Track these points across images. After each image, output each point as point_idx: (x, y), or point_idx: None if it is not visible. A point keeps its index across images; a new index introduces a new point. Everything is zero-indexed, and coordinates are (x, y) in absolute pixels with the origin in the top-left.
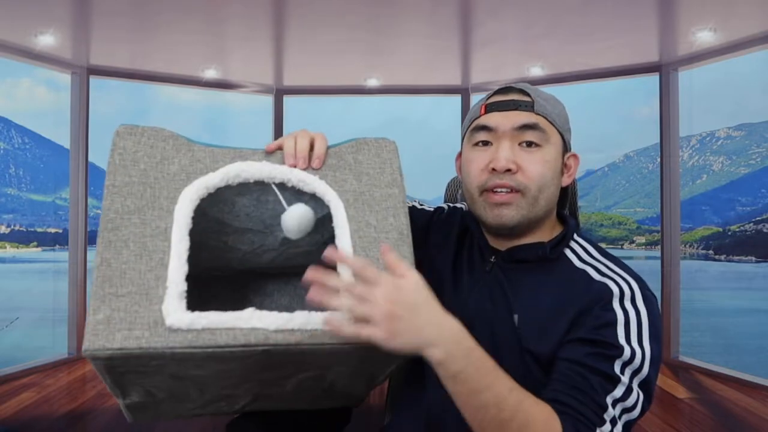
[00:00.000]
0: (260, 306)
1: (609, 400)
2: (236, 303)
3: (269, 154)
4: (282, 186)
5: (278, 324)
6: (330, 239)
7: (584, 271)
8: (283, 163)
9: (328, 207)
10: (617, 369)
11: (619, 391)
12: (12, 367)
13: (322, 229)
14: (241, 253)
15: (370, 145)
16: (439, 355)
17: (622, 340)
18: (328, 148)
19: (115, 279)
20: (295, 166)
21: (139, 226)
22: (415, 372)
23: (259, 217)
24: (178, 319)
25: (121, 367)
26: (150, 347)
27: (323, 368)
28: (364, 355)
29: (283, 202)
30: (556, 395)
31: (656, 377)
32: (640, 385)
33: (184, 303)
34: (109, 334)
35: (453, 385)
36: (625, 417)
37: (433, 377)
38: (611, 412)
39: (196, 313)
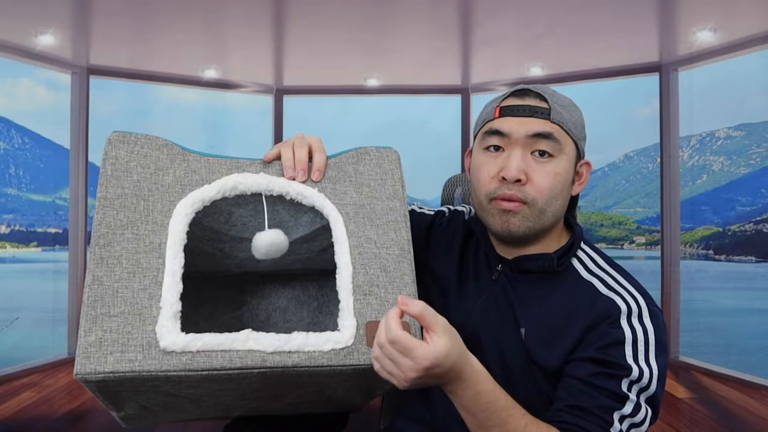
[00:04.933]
0: (257, 308)
1: (616, 416)
2: (234, 305)
3: (267, 164)
4: (280, 198)
5: (275, 346)
6: (329, 247)
7: (591, 284)
8: (280, 173)
9: (327, 218)
10: (624, 387)
11: (627, 409)
12: (12, 367)
13: (322, 237)
14: (238, 260)
15: (372, 155)
16: (449, 391)
17: (630, 359)
18: (328, 158)
19: (107, 298)
20: (293, 179)
21: (132, 242)
22: None
23: (257, 227)
24: (173, 341)
25: (115, 388)
26: (143, 370)
27: (321, 386)
28: (362, 376)
29: (266, 221)
30: (562, 415)
31: (663, 391)
32: (647, 401)
33: (178, 324)
34: (101, 357)
35: (464, 414)
36: (634, 431)
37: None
38: (617, 426)
39: (191, 335)
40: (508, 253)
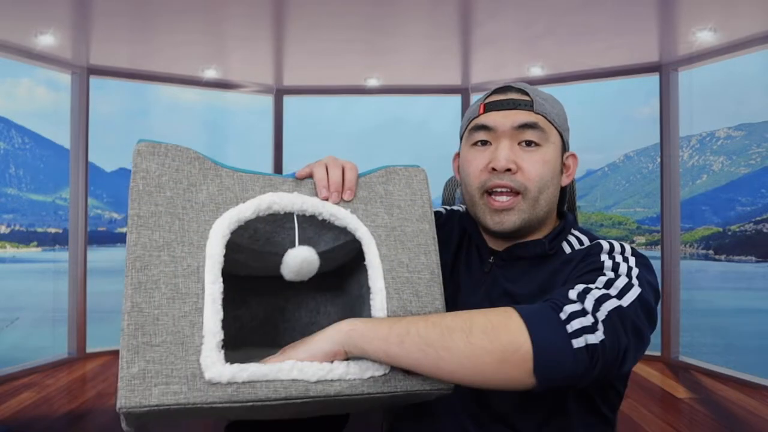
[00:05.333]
0: (257, 308)
1: (581, 287)
2: (234, 305)
3: (299, 182)
4: (312, 218)
5: (319, 375)
6: (349, 262)
7: (579, 251)
8: (313, 191)
9: (352, 235)
10: (600, 283)
11: (598, 285)
12: (12, 367)
13: (342, 252)
14: (250, 268)
15: (400, 175)
16: (370, 349)
17: (609, 273)
18: (357, 177)
19: (148, 326)
20: (327, 199)
21: (169, 265)
22: None
23: (281, 242)
24: (218, 373)
25: (156, 417)
26: (189, 402)
27: (350, 406)
28: (395, 401)
29: (296, 238)
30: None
31: (655, 302)
32: (637, 299)
33: (222, 354)
34: (146, 389)
35: (397, 351)
36: (609, 302)
37: None
38: (579, 287)
39: (236, 366)
40: (500, 246)
